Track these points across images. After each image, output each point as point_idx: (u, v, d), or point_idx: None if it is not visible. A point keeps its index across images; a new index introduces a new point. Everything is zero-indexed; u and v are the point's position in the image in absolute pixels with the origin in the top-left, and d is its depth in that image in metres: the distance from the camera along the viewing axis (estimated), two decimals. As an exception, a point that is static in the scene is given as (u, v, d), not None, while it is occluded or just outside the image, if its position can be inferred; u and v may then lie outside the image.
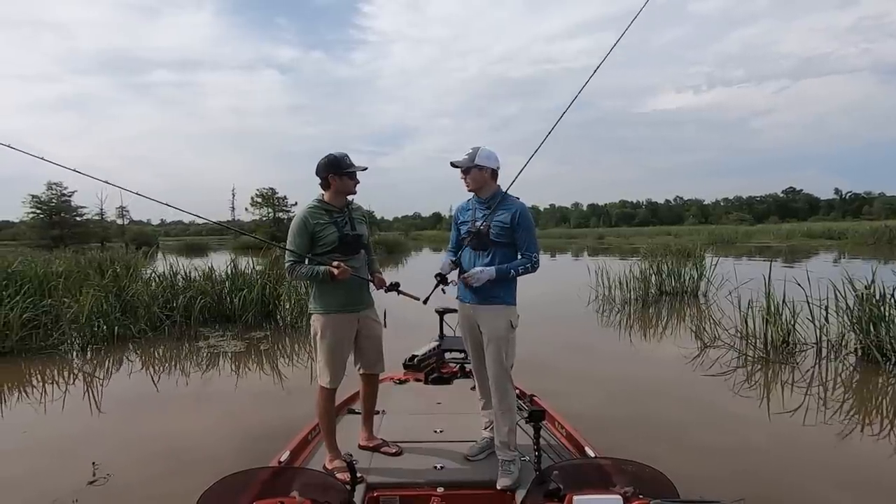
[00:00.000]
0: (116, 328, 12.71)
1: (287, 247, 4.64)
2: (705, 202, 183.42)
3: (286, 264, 4.66)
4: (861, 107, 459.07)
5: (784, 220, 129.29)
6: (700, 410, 8.01)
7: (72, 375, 10.26)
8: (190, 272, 15.48)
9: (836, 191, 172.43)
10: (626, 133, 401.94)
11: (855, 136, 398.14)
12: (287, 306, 15.04)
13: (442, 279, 4.69)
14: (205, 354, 11.54)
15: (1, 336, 11.25)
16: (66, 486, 5.58)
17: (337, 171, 4.64)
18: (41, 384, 9.74)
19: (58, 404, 8.57)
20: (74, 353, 11.72)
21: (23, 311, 11.67)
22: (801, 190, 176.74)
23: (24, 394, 9.22)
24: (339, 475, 4.10)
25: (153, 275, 15.60)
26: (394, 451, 4.85)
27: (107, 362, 11.20)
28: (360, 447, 4.90)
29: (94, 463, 6.03)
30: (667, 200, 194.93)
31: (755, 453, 6.35)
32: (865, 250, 39.56)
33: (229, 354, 11.51)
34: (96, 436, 7.35)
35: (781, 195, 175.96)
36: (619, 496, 2.85)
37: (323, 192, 4.75)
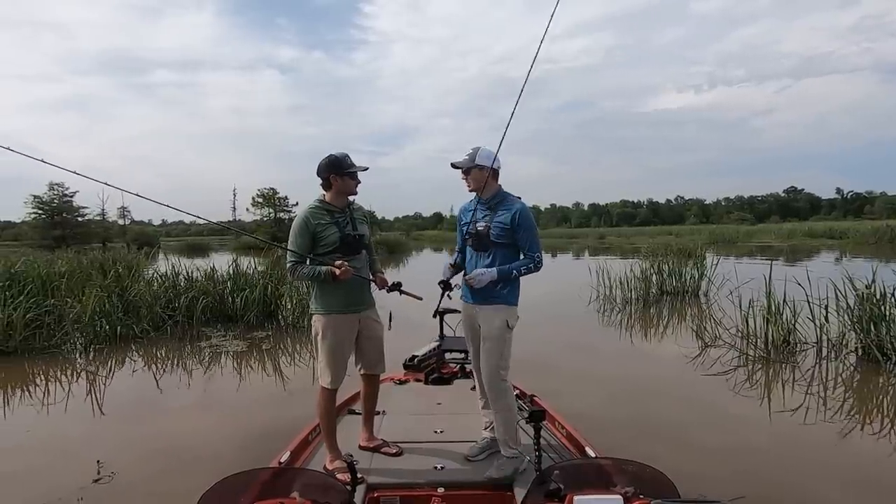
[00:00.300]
0: (119, 328, 12.76)
1: (288, 247, 4.64)
2: (706, 202, 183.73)
3: (287, 264, 4.67)
4: (863, 106, 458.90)
5: (785, 219, 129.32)
6: (701, 410, 8.03)
7: (75, 375, 10.31)
8: (192, 272, 15.56)
9: (838, 190, 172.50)
10: (626, 133, 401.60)
11: (856, 135, 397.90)
12: (289, 306, 15.12)
13: (446, 286, 4.70)
14: (207, 354, 11.59)
15: (4, 336, 11.32)
16: (70, 483, 5.63)
17: (338, 172, 4.65)
18: (44, 384, 9.80)
19: (61, 404, 8.61)
20: (77, 353, 11.77)
21: (26, 311, 11.72)
22: (803, 189, 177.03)
23: (27, 393, 9.28)
24: (339, 475, 4.09)
25: (155, 275, 15.70)
26: (394, 451, 4.86)
27: (110, 362, 11.26)
28: (361, 448, 4.91)
29: (98, 461, 6.08)
30: (668, 200, 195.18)
31: (756, 453, 6.36)
32: (867, 250, 39.48)
33: (231, 354, 11.57)
34: (99, 435, 7.40)
35: (783, 195, 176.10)
36: (619, 496, 2.84)
37: (324, 192, 4.77)
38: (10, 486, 5.81)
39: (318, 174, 4.71)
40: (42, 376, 10.23)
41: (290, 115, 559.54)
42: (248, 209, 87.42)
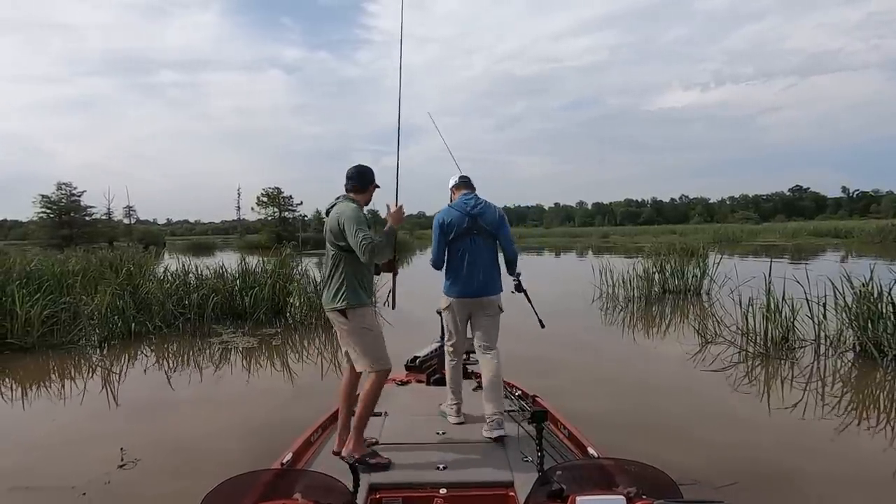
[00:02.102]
0: (133, 325, 13.00)
1: (360, 230, 4.61)
2: (711, 201, 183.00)
3: (367, 243, 4.57)
4: (871, 103, 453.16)
5: (791, 218, 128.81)
6: (702, 406, 8.16)
7: (90, 370, 10.56)
8: (202, 271, 15.81)
9: (844, 189, 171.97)
10: (631, 132, 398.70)
11: (863, 133, 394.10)
12: (297, 304, 15.31)
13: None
14: (218, 350, 11.82)
15: (23, 332, 11.57)
16: (96, 469, 5.88)
17: (376, 185, 5.07)
18: (62, 378, 10.04)
19: (77, 398, 8.86)
20: (93, 349, 12.03)
21: (43, 308, 11.97)
22: (808, 188, 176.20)
23: (45, 387, 9.54)
24: (374, 460, 4.52)
25: (166, 273, 15.91)
26: (385, 461, 4.74)
27: (123, 358, 11.50)
28: (335, 453, 4.90)
29: (122, 448, 6.30)
30: (672, 199, 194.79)
31: (755, 447, 6.48)
32: (872, 249, 39.42)
33: (241, 350, 11.78)
34: (115, 427, 7.61)
35: (788, 193, 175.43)
36: (622, 497, 2.83)
37: (355, 194, 4.97)
38: (44, 466, 6.15)
39: (367, 177, 5.02)
40: (60, 371, 10.49)
41: (295, 114, 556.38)
42: (252, 208, 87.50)
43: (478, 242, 5.54)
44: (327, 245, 4.90)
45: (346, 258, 4.78)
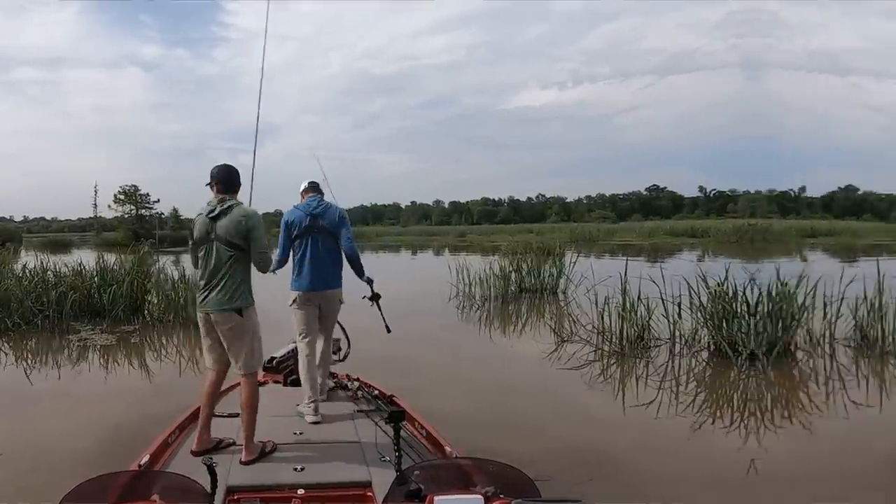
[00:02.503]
0: (-10, 322, 12.60)
1: (264, 240, 4.94)
2: (568, 200, 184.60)
3: (268, 256, 5.05)
4: (731, 103, 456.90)
5: (647, 217, 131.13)
6: (558, 405, 8.24)
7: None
8: (60, 268, 15.44)
9: (701, 188, 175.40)
10: (489, 131, 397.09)
11: (721, 133, 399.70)
12: (155, 301, 15.07)
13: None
14: (76, 348, 11.66)
15: None
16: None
17: None
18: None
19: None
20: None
21: None
22: (665, 187, 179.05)
23: None
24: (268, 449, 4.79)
25: (25, 270, 15.50)
26: (231, 441, 4.98)
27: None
28: (193, 452, 4.86)
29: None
30: (529, 198, 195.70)
31: (610, 445, 6.54)
32: (728, 248, 40.12)
33: (100, 348, 11.63)
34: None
35: (645, 193, 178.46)
36: (480, 496, 2.86)
37: (232, 194, 5.01)
38: None
39: (238, 178, 5.11)
40: None
41: (153, 112, 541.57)
42: (109, 206, 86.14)
43: (318, 240, 6.08)
44: (217, 245, 4.83)
45: (243, 259, 4.87)
